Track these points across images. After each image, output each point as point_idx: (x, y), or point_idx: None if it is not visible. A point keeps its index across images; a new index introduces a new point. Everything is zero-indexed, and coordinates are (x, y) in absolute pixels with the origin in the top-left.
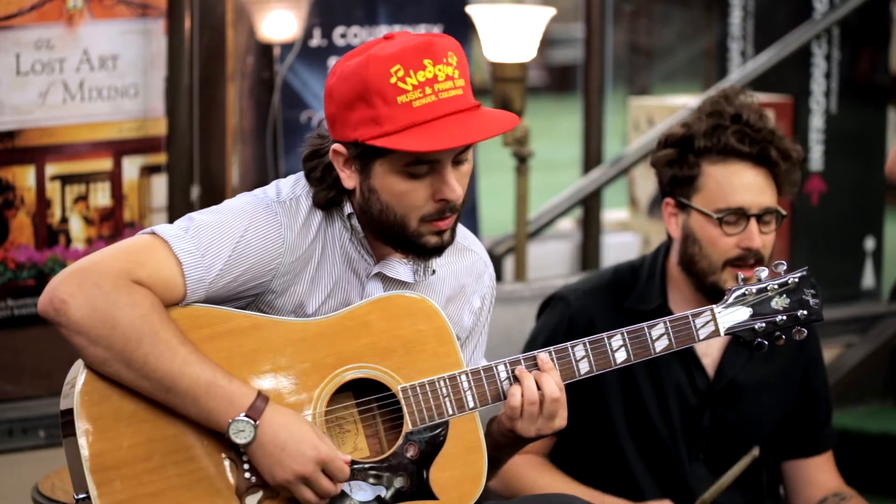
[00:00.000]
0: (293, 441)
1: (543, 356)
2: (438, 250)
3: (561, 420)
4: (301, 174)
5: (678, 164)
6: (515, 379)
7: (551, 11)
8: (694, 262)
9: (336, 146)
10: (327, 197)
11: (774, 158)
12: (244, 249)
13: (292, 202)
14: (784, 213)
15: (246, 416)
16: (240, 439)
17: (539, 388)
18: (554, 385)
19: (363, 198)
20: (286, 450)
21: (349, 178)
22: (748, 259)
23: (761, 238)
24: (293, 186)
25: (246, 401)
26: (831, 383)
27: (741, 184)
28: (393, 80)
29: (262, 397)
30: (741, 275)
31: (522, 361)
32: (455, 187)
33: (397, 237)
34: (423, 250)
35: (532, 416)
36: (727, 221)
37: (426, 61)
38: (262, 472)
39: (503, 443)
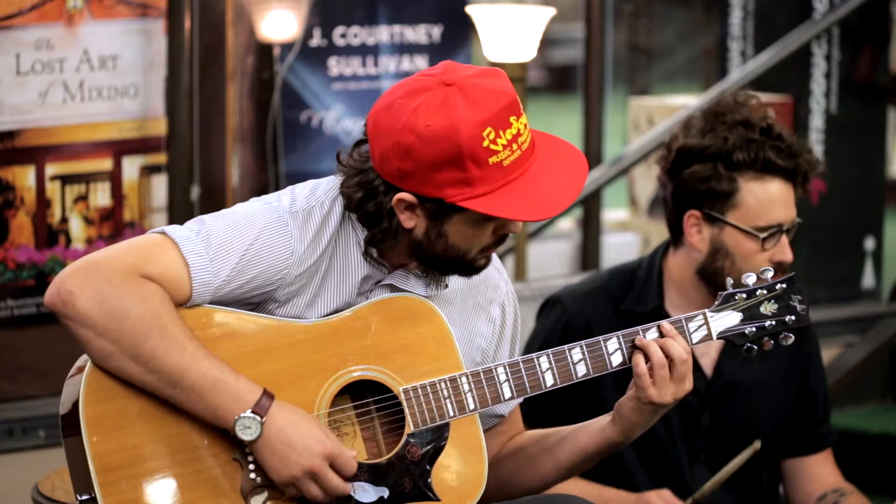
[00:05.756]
0: (300, 437)
1: (666, 325)
2: (484, 268)
3: (689, 383)
4: (318, 183)
5: (713, 179)
6: (634, 347)
7: (551, 11)
8: (721, 274)
9: (404, 195)
10: (384, 238)
11: (806, 172)
12: (252, 257)
13: (305, 213)
14: (801, 221)
15: (252, 412)
16: (246, 436)
17: (666, 353)
18: (680, 348)
19: (427, 239)
20: (293, 446)
21: (410, 220)
22: (777, 273)
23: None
24: (308, 197)
25: (252, 397)
26: (831, 383)
27: (779, 199)
28: (486, 143)
29: (268, 394)
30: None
31: (521, 364)
32: (520, 223)
33: (451, 265)
34: (472, 271)
35: (665, 380)
36: (768, 239)
37: (512, 118)
38: (269, 469)
39: (637, 421)
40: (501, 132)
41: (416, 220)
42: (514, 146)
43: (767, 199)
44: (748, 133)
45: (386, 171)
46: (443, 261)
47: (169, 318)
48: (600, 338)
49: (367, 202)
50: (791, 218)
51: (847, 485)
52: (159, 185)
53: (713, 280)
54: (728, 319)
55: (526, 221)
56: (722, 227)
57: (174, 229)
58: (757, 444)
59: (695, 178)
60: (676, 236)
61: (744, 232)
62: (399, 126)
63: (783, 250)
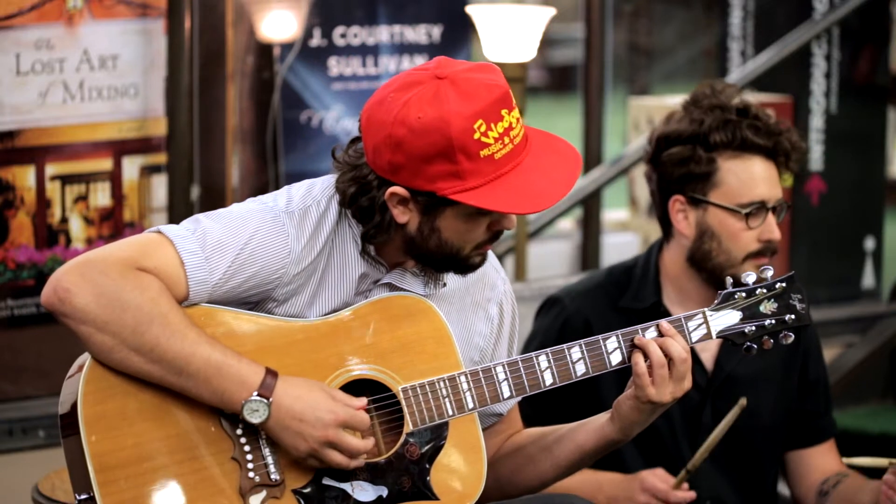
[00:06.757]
0: (310, 410)
1: (665, 325)
2: (480, 266)
3: (688, 382)
4: (314, 183)
5: (692, 161)
6: (633, 347)
7: (551, 11)
8: (710, 257)
9: (397, 189)
10: (377, 233)
11: (787, 150)
12: (248, 257)
13: (302, 213)
14: (789, 204)
15: (258, 395)
16: (255, 419)
17: (665, 352)
18: (679, 348)
19: (420, 234)
20: (305, 420)
21: (403, 214)
22: (766, 252)
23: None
24: (304, 196)
25: (256, 378)
26: (831, 383)
27: (760, 177)
28: (476, 135)
29: (272, 373)
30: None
31: (520, 363)
32: (514, 219)
33: (445, 262)
34: (468, 269)
35: (664, 379)
36: (752, 215)
37: (503, 111)
38: (285, 446)
39: (635, 420)
40: (493, 125)
41: (409, 214)
42: (506, 139)
43: (748, 176)
44: (724, 115)
45: (378, 164)
46: (437, 257)
47: (168, 307)
48: (599, 337)
49: (360, 197)
50: (776, 196)
51: (848, 470)
52: (159, 185)
53: (703, 265)
54: (727, 318)
55: (517, 214)
56: (706, 209)
57: (170, 228)
58: (743, 401)
59: (673, 162)
60: (667, 229)
61: (726, 210)
62: (391, 119)
63: (770, 228)
